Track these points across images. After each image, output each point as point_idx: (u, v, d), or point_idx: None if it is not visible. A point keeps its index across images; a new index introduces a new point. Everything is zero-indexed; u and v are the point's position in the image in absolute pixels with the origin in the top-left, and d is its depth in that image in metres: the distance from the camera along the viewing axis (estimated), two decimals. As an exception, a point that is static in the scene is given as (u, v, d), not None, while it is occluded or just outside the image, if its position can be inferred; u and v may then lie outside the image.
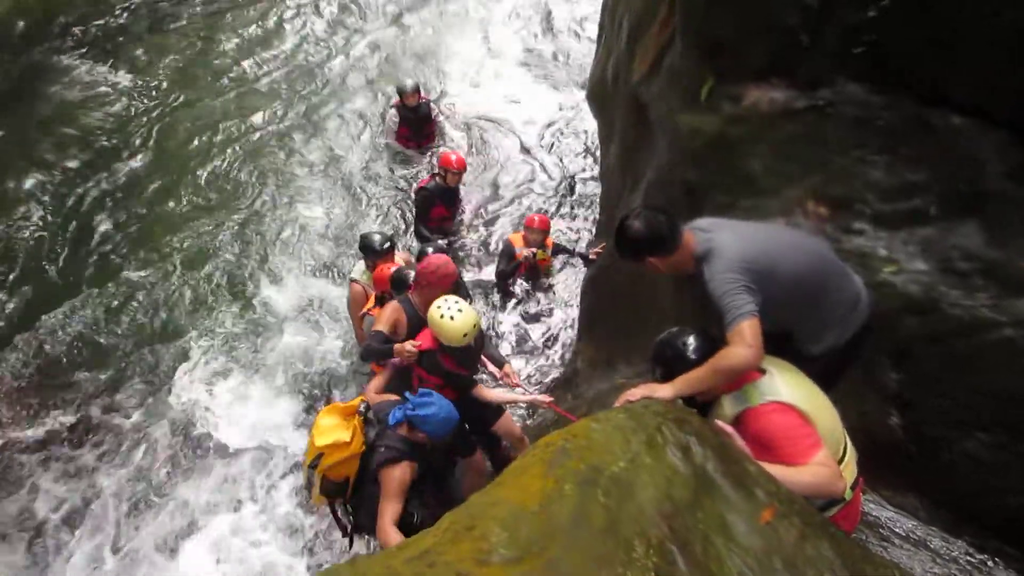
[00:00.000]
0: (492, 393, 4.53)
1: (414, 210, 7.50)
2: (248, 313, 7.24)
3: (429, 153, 8.65)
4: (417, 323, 4.41)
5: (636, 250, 2.69)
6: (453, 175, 7.10)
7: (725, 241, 2.56)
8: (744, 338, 2.34)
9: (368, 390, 4.46)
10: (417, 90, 8.27)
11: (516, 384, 4.73)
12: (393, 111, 8.47)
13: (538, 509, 1.70)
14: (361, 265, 5.83)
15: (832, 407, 2.45)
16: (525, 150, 8.93)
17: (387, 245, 5.63)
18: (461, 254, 7.53)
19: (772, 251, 2.58)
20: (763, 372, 2.41)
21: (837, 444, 2.38)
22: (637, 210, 2.73)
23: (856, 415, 3.18)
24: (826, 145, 3.22)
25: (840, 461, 2.36)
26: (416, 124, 8.47)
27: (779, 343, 2.54)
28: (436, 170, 7.25)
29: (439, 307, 4.04)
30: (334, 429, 3.77)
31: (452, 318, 3.98)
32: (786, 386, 2.36)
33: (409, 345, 4.18)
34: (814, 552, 1.85)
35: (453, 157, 7.16)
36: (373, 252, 5.60)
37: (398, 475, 3.58)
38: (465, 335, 4.00)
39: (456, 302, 4.07)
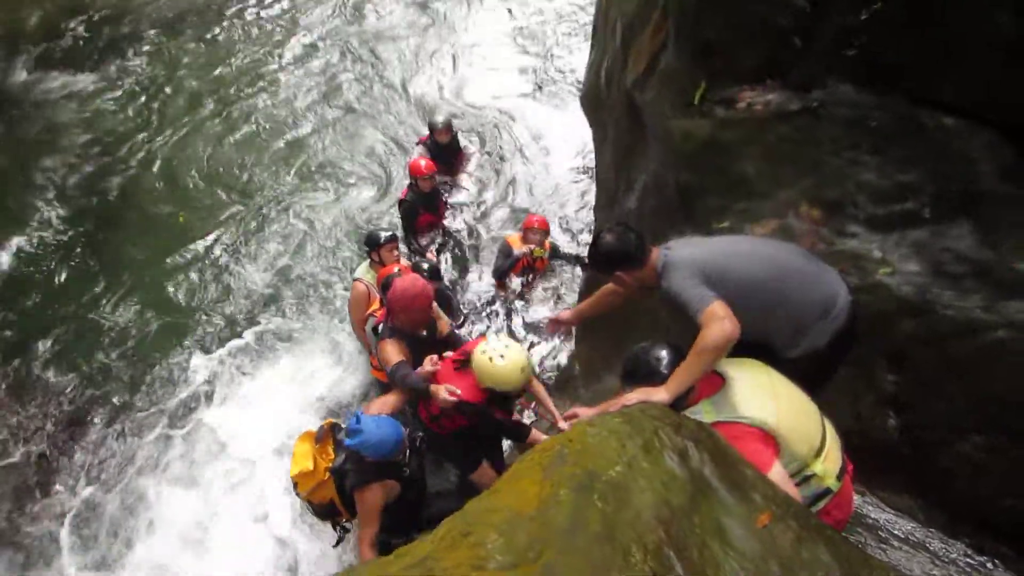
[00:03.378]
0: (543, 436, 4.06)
1: (401, 223, 7.54)
2: (252, 320, 7.29)
3: (463, 177, 8.53)
4: (416, 345, 4.26)
5: (607, 263, 2.90)
6: (424, 180, 7.17)
7: (680, 254, 2.74)
8: (716, 315, 2.44)
9: (372, 406, 4.32)
10: (449, 126, 8.11)
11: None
12: (421, 147, 8.21)
13: (534, 514, 1.71)
14: (365, 264, 5.86)
15: (803, 400, 2.47)
16: (519, 156, 8.95)
17: (388, 234, 5.72)
18: (455, 264, 7.57)
19: (725, 258, 2.73)
20: (723, 380, 2.46)
21: (811, 439, 2.39)
22: (610, 226, 2.95)
23: (852, 417, 3.20)
24: (819, 147, 3.25)
25: (818, 453, 2.38)
26: (447, 157, 8.28)
27: (756, 351, 2.60)
28: (411, 181, 7.31)
29: (484, 352, 3.66)
30: (301, 458, 3.82)
31: (503, 356, 3.61)
32: (742, 398, 2.39)
33: (444, 392, 3.77)
34: (810, 555, 1.86)
35: (423, 163, 7.22)
36: (376, 243, 5.67)
37: (369, 498, 3.62)
38: (523, 370, 3.64)
39: (497, 341, 3.72)
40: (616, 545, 1.67)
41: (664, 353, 2.57)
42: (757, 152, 3.45)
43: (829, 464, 2.39)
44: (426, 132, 8.30)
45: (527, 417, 5.22)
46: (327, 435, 3.87)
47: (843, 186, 3.20)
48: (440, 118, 8.20)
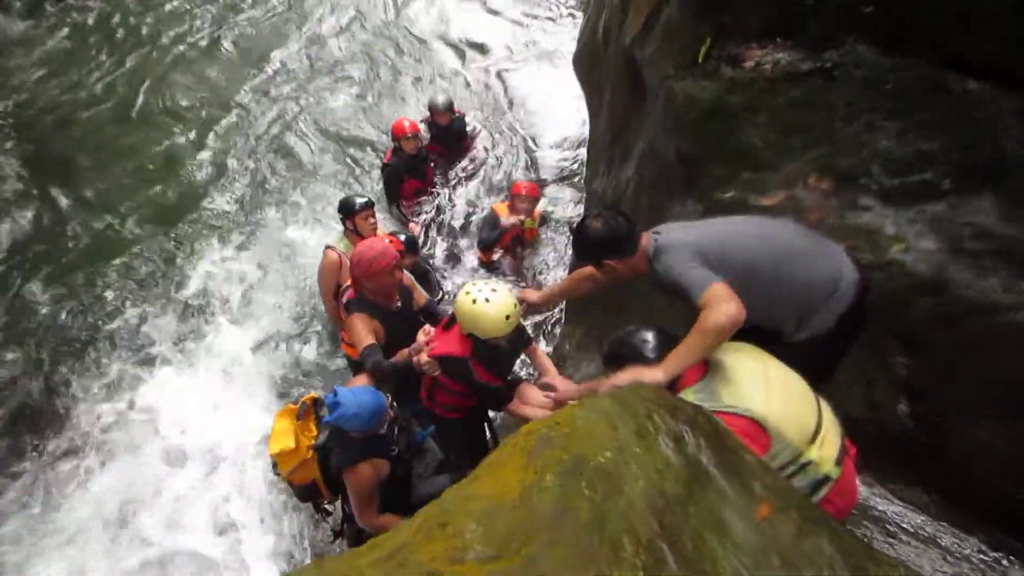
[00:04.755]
0: (528, 409, 3.83)
1: (384, 191, 7.49)
2: (215, 286, 7.29)
3: (465, 163, 8.32)
4: (391, 318, 4.19)
5: (595, 252, 2.91)
6: (408, 141, 7.09)
7: (674, 237, 2.75)
8: (720, 296, 2.45)
9: (356, 384, 4.25)
10: (450, 107, 7.85)
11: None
12: (424, 125, 7.89)
13: (517, 503, 1.70)
14: (339, 233, 5.80)
15: (797, 383, 2.48)
16: (513, 121, 8.92)
17: (363, 201, 5.63)
18: (443, 236, 7.53)
19: (722, 240, 2.74)
20: (707, 367, 2.47)
21: (804, 424, 2.40)
22: (596, 212, 2.95)
23: (864, 404, 3.21)
24: (832, 111, 3.23)
25: (813, 439, 2.38)
26: (449, 142, 8.09)
27: (760, 336, 2.61)
28: (394, 144, 7.23)
29: (468, 292, 3.58)
30: (282, 435, 3.81)
31: (488, 300, 3.51)
32: (729, 385, 2.39)
33: (424, 356, 3.73)
34: (812, 548, 1.86)
35: (406, 123, 7.14)
36: (351, 210, 5.58)
37: (361, 478, 3.61)
38: (508, 317, 3.53)
39: (485, 283, 3.64)
40: (605, 536, 1.66)
41: (651, 335, 2.58)
42: (765, 117, 3.43)
43: (826, 450, 2.40)
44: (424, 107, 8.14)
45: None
46: (309, 411, 3.86)
47: (857, 155, 3.18)
48: (441, 98, 7.90)
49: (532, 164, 8.32)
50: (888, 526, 3.10)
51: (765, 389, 2.39)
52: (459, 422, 4.06)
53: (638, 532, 1.69)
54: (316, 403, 3.91)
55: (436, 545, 1.68)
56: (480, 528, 1.65)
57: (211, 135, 8.72)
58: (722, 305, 2.41)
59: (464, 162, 8.29)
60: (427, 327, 3.92)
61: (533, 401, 3.89)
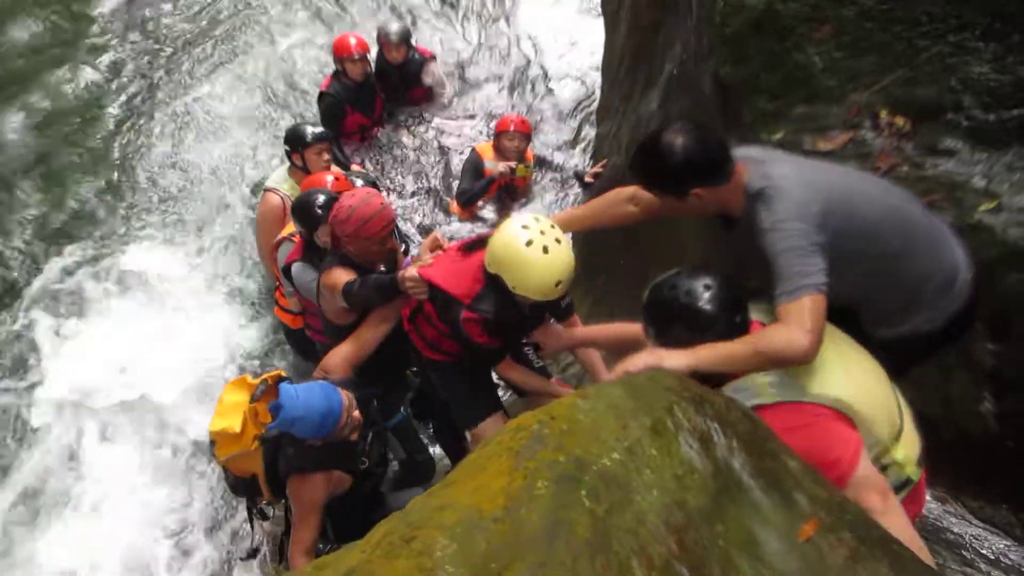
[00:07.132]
0: (532, 378, 3.95)
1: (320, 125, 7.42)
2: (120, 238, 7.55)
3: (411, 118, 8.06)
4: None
5: (682, 176, 2.65)
6: (354, 63, 7.03)
7: (789, 178, 2.55)
8: (803, 320, 2.32)
9: (328, 360, 4.12)
10: (406, 39, 7.56)
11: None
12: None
13: (501, 515, 1.71)
14: (282, 170, 5.76)
15: (876, 367, 2.49)
16: (495, 33, 8.89)
17: (318, 132, 5.65)
18: (397, 184, 7.53)
19: (847, 199, 2.60)
20: None
21: (892, 416, 2.41)
22: (677, 125, 2.71)
23: (938, 399, 3.23)
24: (913, 27, 3.21)
25: (898, 436, 2.40)
26: (396, 87, 7.75)
27: (841, 321, 2.56)
28: (336, 67, 7.17)
29: (526, 227, 3.28)
30: (229, 411, 3.77)
31: (546, 250, 3.22)
32: (807, 370, 2.36)
33: (413, 270, 3.58)
34: (869, 577, 1.88)
35: (352, 40, 7.06)
36: (301, 142, 5.58)
37: (306, 492, 3.64)
38: (558, 284, 3.29)
39: (552, 226, 3.34)
40: (611, 558, 1.67)
41: (711, 280, 2.41)
42: (827, 32, 3.41)
43: (910, 448, 2.42)
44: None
45: None
46: (270, 393, 3.79)
47: (943, 82, 3.18)
48: (394, 26, 7.59)
49: (526, 93, 8.26)
50: (965, 552, 3.13)
51: (846, 374, 2.38)
52: (453, 368, 3.93)
53: (651, 553, 1.71)
54: (280, 385, 3.86)
55: (399, 564, 1.69)
56: (454, 545, 1.66)
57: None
58: (794, 333, 2.31)
59: (440, 92, 8.16)
60: (439, 233, 3.78)
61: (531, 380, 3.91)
